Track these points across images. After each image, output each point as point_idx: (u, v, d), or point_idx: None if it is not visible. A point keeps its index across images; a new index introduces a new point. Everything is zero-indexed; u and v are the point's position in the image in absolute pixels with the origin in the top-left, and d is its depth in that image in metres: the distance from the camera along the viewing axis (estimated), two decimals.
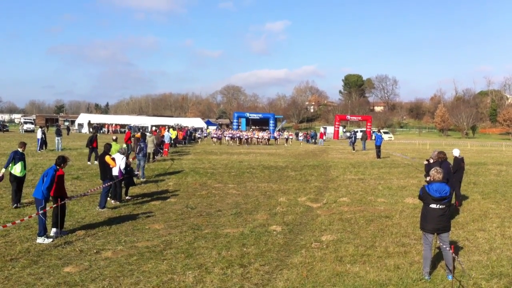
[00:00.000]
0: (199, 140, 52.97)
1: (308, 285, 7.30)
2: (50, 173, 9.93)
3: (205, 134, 54.55)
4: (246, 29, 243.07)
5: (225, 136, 49.31)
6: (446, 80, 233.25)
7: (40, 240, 9.68)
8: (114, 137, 20.41)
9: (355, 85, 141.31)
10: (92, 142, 24.18)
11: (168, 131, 35.38)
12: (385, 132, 78.41)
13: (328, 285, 7.32)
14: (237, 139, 48.51)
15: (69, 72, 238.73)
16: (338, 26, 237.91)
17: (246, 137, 49.13)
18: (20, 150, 13.27)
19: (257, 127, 66.41)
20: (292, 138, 54.45)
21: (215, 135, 49.22)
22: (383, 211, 13.30)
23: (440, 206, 7.57)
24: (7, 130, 72.97)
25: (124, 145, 23.58)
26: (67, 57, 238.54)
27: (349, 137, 46.99)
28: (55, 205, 10.13)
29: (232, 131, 52.28)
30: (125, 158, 14.26)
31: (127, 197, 14.88)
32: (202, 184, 18.19)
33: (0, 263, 8.18)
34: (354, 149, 41.37)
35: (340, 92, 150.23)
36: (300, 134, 58.74)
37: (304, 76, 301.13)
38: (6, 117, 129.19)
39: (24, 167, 13.29)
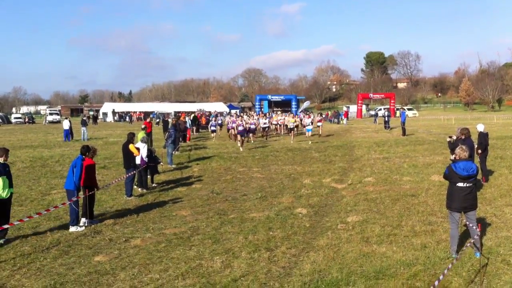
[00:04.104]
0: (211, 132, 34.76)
1: (335, 266, 7.33)
2: (78, 163, 10.14)
3: (219, 122, 37.73)
4: (262, 12, 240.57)
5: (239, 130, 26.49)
6: (469, 53, 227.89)
7: (73, 229, 9.91)
8: (143, 126, 20.62)
9: (377, 63, 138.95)
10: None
11: (189, 116, 35.44)
12: (409, 109, 77.32)
13: (355, 266, 7.34)
14: (262, 130, 33.44)
15: (91, 63, 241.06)
16: (354, 3, 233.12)
17: (264, 125, 33.33)
18: (0, 160, 9.36)
19: (279, 110, 64.62)
20: (322, 124, 34.58)
21: (231, 126, 31.68)
22: (408, 189, 13.20)
23: (467, 185, 7.49)
24: (34, 122, 74.41)
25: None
26: (88, 48, 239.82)
27: (383, 115, 43.39)
28: (84, 195, 10.34)
29: (251, 114, 38.32)
30: (146, 146, 14.43)
31: (153, 185, 15.09)
32: (226, 169, 18.30)
33: (32, 254, 8.42)
34: (389, 128, 39.28)
35: (362, 70, 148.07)
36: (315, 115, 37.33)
37: (324, 56, 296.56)
38: (32, 109, 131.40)
39: (9, 184, 9.29)
